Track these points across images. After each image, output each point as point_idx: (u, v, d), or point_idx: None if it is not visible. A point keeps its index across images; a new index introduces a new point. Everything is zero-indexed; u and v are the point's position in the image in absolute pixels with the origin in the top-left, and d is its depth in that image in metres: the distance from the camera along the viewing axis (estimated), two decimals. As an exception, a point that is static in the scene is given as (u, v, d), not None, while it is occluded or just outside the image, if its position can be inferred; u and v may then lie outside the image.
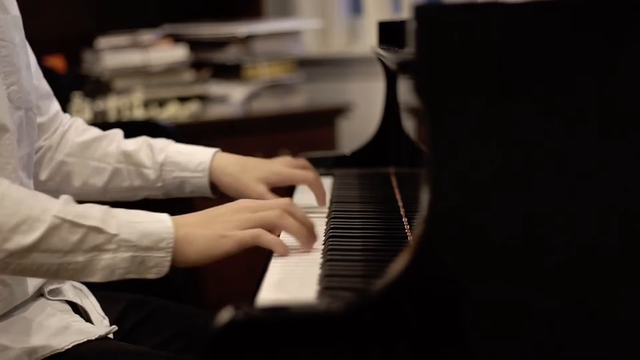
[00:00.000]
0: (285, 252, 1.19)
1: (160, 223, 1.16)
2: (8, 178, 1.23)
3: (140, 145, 1.52)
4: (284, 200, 1.23)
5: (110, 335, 1.33)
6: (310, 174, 1.49)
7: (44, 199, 1.15)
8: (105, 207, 1.16)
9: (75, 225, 1.13)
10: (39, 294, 1.33)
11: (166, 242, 1.15)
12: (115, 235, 1.13)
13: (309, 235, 1.22)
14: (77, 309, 1.36)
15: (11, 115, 1.27)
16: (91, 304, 1.39)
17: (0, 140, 1.24)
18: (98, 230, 1.13)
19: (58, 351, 1.25)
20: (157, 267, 1.16)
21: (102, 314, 1.39)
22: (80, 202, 1.35)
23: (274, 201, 1.24)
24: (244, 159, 1.52)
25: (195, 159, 1.50)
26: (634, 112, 0.90)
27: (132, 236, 1.14)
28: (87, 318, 1.35)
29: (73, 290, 1.38)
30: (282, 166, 1.51)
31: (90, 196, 1.53)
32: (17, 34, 1.34)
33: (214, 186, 1.52)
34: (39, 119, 1.44)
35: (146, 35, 2.78)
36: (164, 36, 2.84)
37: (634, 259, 0.91)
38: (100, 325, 1.35)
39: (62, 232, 1.12)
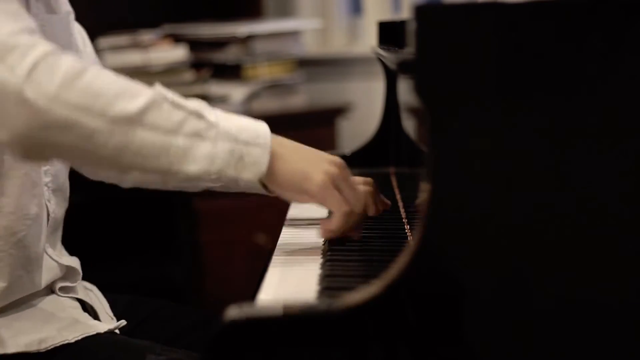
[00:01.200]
0: (358, 235, 1.22)
1: (258, 124, 1.15)
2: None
3: None
4: (372, 189, 1.24)
5: (117, 331, 1.35)
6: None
7: (138, 83, 1.11)
8: (202, 101, 1.14)
9: (176, 105, 1.09)
10: (50, 290, 1.34)
11: (263, 138, 1.13)
12: (214, 123, 1.11)
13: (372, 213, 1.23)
14: (85, 308, 1.37)
15: None
16: (100, 304, 1.40)
17: None
18: (198, 115, 1.10)
19: (68, 341, 1.26)
20: (256, 165, 1.12)
21: (111, 314, 1.40)
22: (141, 190, 1.29)
23: (367, 190, 1.24)
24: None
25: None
26: (634, 112, 0.90)
27: (231, 128, 1.12)
28: (95, 316, 1.37)
29: (83, 290, 1.39)
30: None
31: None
32: (64, 34, 1.34)
33: None
34: None
35: (146, 35, 2.78)
36: (164, 36, 2.84)
37: (636, 257, 0.91)
38: (109, 323, 1.36)
39: (164, 108, 1.08)
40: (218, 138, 1.10)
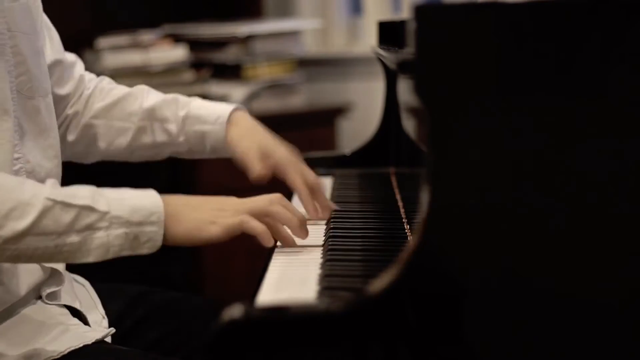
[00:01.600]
0: (270, 242, 1.20)
1: (149, 198, 1.17)
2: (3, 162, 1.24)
3: (164, 100, 1.53)
4: (276, 195, 1.24)
5: (108, 339, 1.33)
6: (313, 184, 1.45)
7: (32, 184, 1.16)
8: (93, 187, 1.17)
9: (66, 205, 1.13)
10: (37, 296, 1.32)
11: (156, 215, 1.16)
12: (106, 212, 1.14)
13: (300, 224, 1.23)
14: (75, 311, 1.35)
15: (22, 105, 1.27)
16: (93, 303, 1.39)
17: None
18: (90, 208, 1.14)
19: (54, 357, 1.24)
20: (150, 241, 1.17)
21: (103, 312, 1.38)
22: (108, 163, 1.36)
23: (265, 195, 1.24)
24: (260, 130, 1.51)
25: (215, 113, 1.51)
26: (634, 113, 0.90)
27: (123, 212, 1.15)
28: (85, 321, 1.34)
29: (72, 293, 1.37)
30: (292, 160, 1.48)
31: (116, 156, 1.55)
32: (27, 21, 1.33)
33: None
34: (64, 90, 1.48)
35: (146, 35, 2.78)
36: (164, 36, 2.84)
37: (636, 257, 0.91)
38: (99, 327, 1.34)
39: (55, 213, 1.12)
40: (111, 226, 1.15)
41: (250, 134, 1.50)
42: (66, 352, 1.25)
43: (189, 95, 1.57)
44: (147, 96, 1.54)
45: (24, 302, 1.29)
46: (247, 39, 2.81)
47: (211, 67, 2.85)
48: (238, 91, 2.82)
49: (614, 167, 0.90)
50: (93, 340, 1.28)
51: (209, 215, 1.19)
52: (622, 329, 0.91)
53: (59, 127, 1.47)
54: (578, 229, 0.91)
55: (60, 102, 1.48)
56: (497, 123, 0.90)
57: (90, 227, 1.14)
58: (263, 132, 1.50)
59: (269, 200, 1.22)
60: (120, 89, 1.56)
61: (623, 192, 0.90)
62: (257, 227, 1.19)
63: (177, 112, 1.51)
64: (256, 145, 1.47)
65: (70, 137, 1.52)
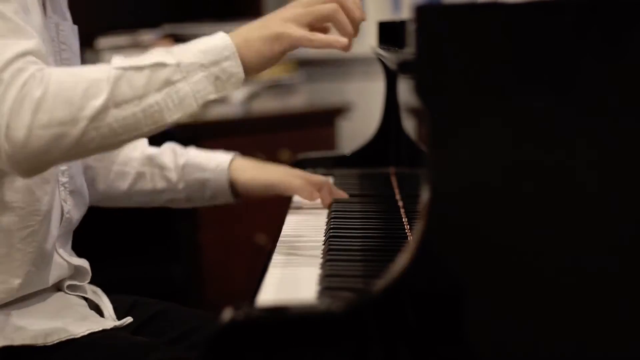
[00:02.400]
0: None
1: (214, 38, 1.18)
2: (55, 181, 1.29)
3: (163, 149, 1.55)
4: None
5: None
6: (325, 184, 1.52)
7: (97, 65, 1.16)
8: (160, 48, 1.18)
9: (136, 69, 1.14)
10: (57, 288, 1.35)
11: (228, 49, 1.17)
12: (178, 63, 1.15)
13: (351, 35, 1.26)
14: (91, 307, 1.38)
15: None
16: (104, 305, 1.41)
17: None
18: (160, 64, 1.15)
19: (74, 336, 1.27)
20: (233, 76, 1.17)
21: (114, 316, 1.40)
22: (105, 207, 1.37)
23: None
24: (263, 163, 1.56)
25: (215, 161, 1.53)
26: (634, 113, 0.90)
27: (195, 58, 1.16)
28: (101, 315, 1.38)
29: (90, 290, 1.40)
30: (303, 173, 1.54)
31: (115, 200, 1.57)
32: (75, 41, 1.40)
33: (234, 190, 1.54)
34: None
35: (146, 35, 2.78)
36: (164, 36, 2.84)
37: (637, 255, 0.91)
38: (114, 321, 1.37)
39: (127, 79, 1.13)
40: (188, 74, 1.15)
41: (262, 166, 1.54)
42: (86, 332, 1.28)
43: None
44: (145, 144, 1.55)
45: (46, 290, 1.33)
46: (247, 39, 2.81)
47: (211, 67, 2.85)
48: (238, 91, 2.82)
49: (614, 166, 0.90)
50: (111, 326, 1.32)
51: (275, 26, 1.20)
52: (622, 330, 0.91)
53: None
54: (578, 229, 0.91)
55: None
56: (497, 123, 0.90)
57: (168, 82, 1.14)
58: (269, 165, 1.55)
59: (335, 6, 1.24)
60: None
61: (623, 192, 0.90)
62: (323, 40, 1.21)
63: (177, 160, 1.53)
64: (281, 173, 1.52)
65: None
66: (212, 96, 1.17)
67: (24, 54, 1.13)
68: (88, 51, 2.74)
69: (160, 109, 1.14)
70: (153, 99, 1.13)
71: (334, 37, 1.22)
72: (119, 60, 1.15)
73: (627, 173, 0.90)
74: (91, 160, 1.53)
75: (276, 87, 2.89)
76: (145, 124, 1.14)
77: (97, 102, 1.11)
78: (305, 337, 0.89)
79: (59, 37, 1.33)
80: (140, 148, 1.55)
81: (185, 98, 1.14)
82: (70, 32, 1.37)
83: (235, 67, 1.17)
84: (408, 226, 1.31)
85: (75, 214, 1.38)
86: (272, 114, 2.77)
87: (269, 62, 1.20)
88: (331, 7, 1.22)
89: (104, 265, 1.52)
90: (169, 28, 2.88)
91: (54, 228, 1.31)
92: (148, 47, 2.76)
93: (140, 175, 1.53)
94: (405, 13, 2.91)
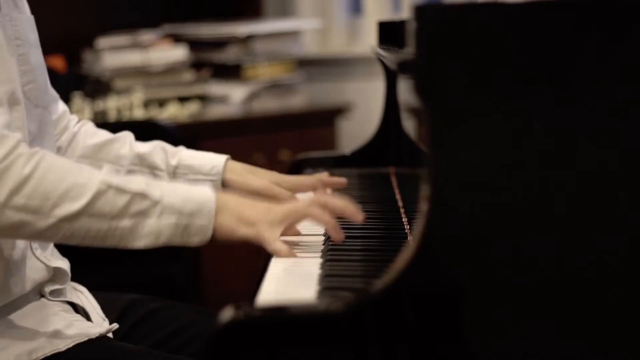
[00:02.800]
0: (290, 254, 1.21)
1: (201, 190, 1.20)
2: None
3: (153, 148, 1.53)
4: (314, 198, 1.26)
5: (110, 335, 1.34)
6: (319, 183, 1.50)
7: (88, 168, 1.19)
8: (148, 177, 1.20)
9: (121, 190, 1.16)
10: (40, 295, 1.33)
11: (208, 208, 1.19)
12: (159, 200, 1.17)
13: (334, 228, 1.22)
14: (77, 309, 1.36)
15: (30, 111, 1.28)
16: (92, 306, 1.39)
17: (13, 113, 1.25)
18: (143, 195, 1.17)
19: (59, 350, 1.25)
20: (200, 233, 1.19)
21: (103, 315, 1.39)
22: None
23: (302, 201, 1.26)
24: (256, 167, 1.54)
25: (209, 163, 1.52)
26: (634, 113, 0.90)
27: (176, 201, 1.18)
28: (88, 318, 1.36)
29: (73, 292, 1.38)
30: (294, 178, 1.53)
31: None
32: (32, 33, 1.36)
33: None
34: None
35: (146, 35, 2.78)
36: (164, 36, 2.84)
37: (637, 259, 0.91)
38: (101, 325, 1.35)
39: (109, 197, 1.15)
40: (163, 214, 1.18)
41: (254, 171, 1.52)
42: (71, 345, 1.26)
43: (189, 95, 1.57)
44: (135, 142, 1.54)
45: (26, 299, 1.30)
46: (247, 39, 2.81)
47: (211, 67, 2.85)
48: (238, 91, 2.82)
49: (615, 167, 0.90)
50: (97, 335, 1.30)
51: (252, 216, 1.20)
52: (622, 330, 0.91)
53: None
54: (579, 229, 0.91)
55: None
56: (497, 123, 0.90)
57: (142, 214, 1.17)
58: (261, 170, 1.53)
59: (305, 207, 1.23)
60: (105, 133, 1.55)
61: (623, 192, 0.90)
62: (280, 250, 1.20)
63: (168, 161, 1.51)
64: (269, 181, 1.50)
65: None
66: (175, 242, 1.19)
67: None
68: (88, 51, 2.74)
69: (123, 235, 1.17)
70: (123, 223, 1.16)
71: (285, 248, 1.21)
72: (107, 175, 1.17)
73: (628, 173, 0.90)
74: (78, 157, 1.51)
75: (276, 87, 2.89)
76: (107, 241, 1.18)
77: (73, 207, 1.14)
78: (305, 337, 0.89)
79: (13, 32, 1.29)
80: (128, 144, 1.52)
81: (150, 234, 1.17)
82: (26, 25, 1.34)
83: (206, 227, 1.19)
84: (408, 226, 1.31)
85: None
86: (272, 114, 2.77)
87: (233, 238, 1.21)
88: (308, 203, 1.23)
89: (103, 266, 1.52)
90: (169, 28, 2.88)
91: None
92: (148, 47, 2.76)
93: (130, 174, 1.51)
94: (405, 13, 2.91)
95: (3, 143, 1.14)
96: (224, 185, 1.51)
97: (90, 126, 1.56)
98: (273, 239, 1.20)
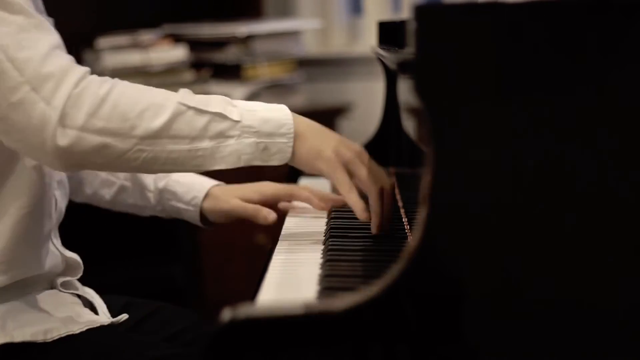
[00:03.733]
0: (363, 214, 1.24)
1: (279, 112, 1.21)
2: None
3: None
4: (389, 184, 1.27)
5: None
6: (297, 191, 1.48)
7: (164, 90, 1.18)
8: (226, 97, 1.20)
9: (199, 111, 1.16)
10: (51, 286, 1.36)
11: (286, 127, 1.20)
12: (237, 121, 1.18)
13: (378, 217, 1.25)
14: (85, 305, 1.39)
15: None
16: (98, 304, 1.41)
17: None
18: (221, 116, 1.17)
19: (73, 333, 1.28)
20: (280, 153, 1.20)
21: (109, 314, 1.40)
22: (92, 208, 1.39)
23: (383, 175, 1.28)
24: (243, 185, 1.52)
25: (190, 193, 1.50)
26: (634, 113, 0.90)
27: (254, 122, 1.18)
28: (95, 313, 1.38)
29: (82, 290, 1.41)
30: (268, 186, 1.50)
31: (100, 204, 1.57)
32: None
33: (206, 219, 1.52)
34: None
35: (146, 35, 2.78)
36: (164, 36, 2.84)
37: (636, 257, 0.91)
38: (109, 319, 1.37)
39: (187, 117, 1.15)
40: (242, 134, 1.18)
41: (237, 188, 1.51)
42: (85, 329, 1.29)
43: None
44: None
45: (40, 287, 1.33)
46: (247, 39, 2.81)
47: (211, 67, 2.85)
48: (238, 91, 2.82)
49: (615, 167, 0.90)
50: (108, 322, 1.33)
51: (330, 149, 1.22)
52: (622, 330, 0.91)
53: None
54: (579, 229, 0.91)
55: None
56: (497, 123, 0.90)
57: (223, 134, 1.17)
58: (243, 185, 1.51)
59: (372, 185, 1.24)
60: None
61: (624, 192, 0.90)
62: (355, 202, 1.22)
63: (156, 183, 1.51)
64: (238, 199, 1.48)
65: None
66: (255, 162, 1.19)
67: (55, 47, 1.15)
68: (88, 51, 2.74)
69: (205, 156, 1.17)
70: (204, 144, 1.16)
71: (363, 207, 1.23)
72: (186, 96, 1.17)
73: (628, 173, 0.90)
74: None
75: (276, 87, 2.89)
76: (187, 163, 1.17)
77: (152, 126, 1.14)
78: (305, 337, 0.89)
79: (39, 7, 1.32)
80: None
81: (231, 154, 1.17)
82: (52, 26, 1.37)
83: (286, 146, 1.20)
84: (408, 226, 1.31)
85: (63, 204, 1.38)
86: (272, 114, 2.76)
87: (310, 167, 1.22)
88: (372, 186, 1.24)
89: (104, 266, 1.53)
90: (169, 28, 2.88)
91: (48, 213, 1.31)
92: (148, 47, 2.76)
93: (123, 189, 1.53)
94: (405, 13, 2.91)
95: (75, 70, 1.14)
96: (203, 213, 1.50)
97: None
98: (349, 188, 1.21)
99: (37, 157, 1.18)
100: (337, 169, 1.22)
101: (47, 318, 1.29)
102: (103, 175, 1.53)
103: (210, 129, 1.16)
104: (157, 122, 1.14)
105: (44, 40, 1.15)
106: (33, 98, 1.12)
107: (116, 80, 1.17)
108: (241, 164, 1.18)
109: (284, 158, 1.20)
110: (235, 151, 1.17)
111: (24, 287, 1.30)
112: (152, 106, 1.14)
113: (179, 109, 1.15)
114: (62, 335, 1.27)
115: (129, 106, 1.14)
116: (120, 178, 1.52)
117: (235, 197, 1.48)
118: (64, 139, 1.12)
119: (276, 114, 1.21)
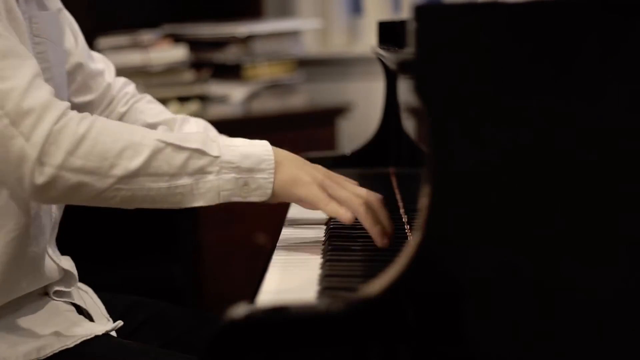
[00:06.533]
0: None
1: (260, 147, 1.20)
2: None
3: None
4: (373, 195, 1.24)
5: (113, 334, 1.34)
6: None
7: (142, 128, 1.18)
8: (204, 133, 1.21)
9: (178, 148, 1.16)
10: (44, 293, 1.34)
11: (267, 163, 1.19)
12: (217, 157, 1.17)
13: (380, 233, 1.21)
14: (80, 311, 1.37)
15: None
16: (96, 306, 1.40)
17: None
18: (200, 152, 1.16)
19: (67, 347, 1.26)
20: (260, 189, 1.19)
21: (107, 315, 1.39)
22: (91, 208, 1.37)
23: (363, 191, 1.24)
24: None
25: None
26: (634, 113, 0.90)
27: (234, 158, 1.18)
28: (91, 319, 1.36)
29: (77, 293, 1.39)
30: None
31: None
32: (55, 30, 1.36)
33: None
34: (90, 97, 1.48)
35: (146, 35, 2.78)
36: (164, 36, 2.84)
37: (637, 258, 0.91)
38: (105, 324, 1.36)
39: (166, 155, 1.15)
40: (222, 170, 1.17)
41: None
42: (79, 341, 1.27)
43: (189, 95, 1.57)
44: (181, 128, 1.51)
45: (31, 297, 1.31)
46: (247, 39, 2.81)
47: (211, 67, 2.85)
48: (238, 91, 2.82)
49: (614, 167, 0.90)
50: (103, 332, 1.31)
51: (306, 176, 1.21)
52: (622, 329, 0.91)
53: None
54: (579, 229, 0.91)
55: (80, 110, 1.48)
56: (497, 123, 0.90)
57: (202, 170, 1.16)
58: None
59: (364, 207, 1.21)
60: (161, 113, 1.53)
61: (623, 192, 0.90)
62: (337, 211, 1.20)
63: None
64: None
65: None
66: (235, 198, 1.18)
67: (35, 76, 1.14)
68: (88, 51, 2.74)
69: (184, 193, 1.16)
70: (183, 181, 1.15)
71: (345, 212, 1.21)
72: (163, 133, 1.17)
73: (629, 173, 0.90)
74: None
75: (276, 87, 2.89)
76: (166, 200, 1.16)
77: (131, 165, 1.13)
78: (305, 337, 0.89)
79: (32, 30, 1.29)
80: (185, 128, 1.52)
81: (210, 190, 1.17)
82: (49, 21, 1.34)
83: (266, 182, 1.19)
84: (408, 226, 1.31)
85: (58, 213, 1.37)
86: (272, 114, 2.77)
87: (286, 193, 1.21)
88: (359, 204, 1.21)
89: (104, 266, 1.52)
90: (169, 28, 2.88)
91: (41, 231, 1.29)
92: (148, 47, 2.76)
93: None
94: (405, 13, 2.91)
95: (55, 106, 1.13)
96: None
97: (145, 102, 1.55)
98: (327, 200, 1.20)
99: (15, 190, 1.19)
100: (314, 188, 1.21)
101: (40, 333, 1.27)
102: (163, 126, 1.51)
103: (189, 165, 1.15)
104: (136, 161, 1.13)
105: (24, 69, 1.14)
106: (12, 132, 1.11)
107: (95, 117, 1.16)
108: (220, 201, 1.17)
109: (264, 194, 1.19)
110: (214, 187, 1.16)
111: (17, 302, 1.29)
112: (131, 144, 1.14)
113: (158, 146, 1.15)
114: (56, 351, 1.26)
115: (107, 144, 1.13)
116: None
117: None
118: (41, 177, 1.11)
119: (256, 149, 1.20)
